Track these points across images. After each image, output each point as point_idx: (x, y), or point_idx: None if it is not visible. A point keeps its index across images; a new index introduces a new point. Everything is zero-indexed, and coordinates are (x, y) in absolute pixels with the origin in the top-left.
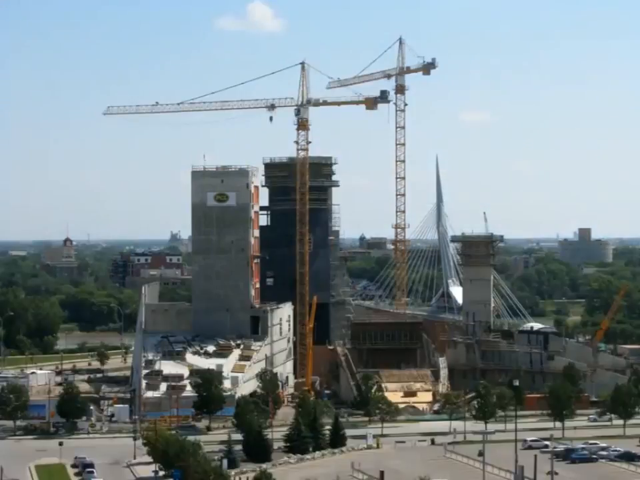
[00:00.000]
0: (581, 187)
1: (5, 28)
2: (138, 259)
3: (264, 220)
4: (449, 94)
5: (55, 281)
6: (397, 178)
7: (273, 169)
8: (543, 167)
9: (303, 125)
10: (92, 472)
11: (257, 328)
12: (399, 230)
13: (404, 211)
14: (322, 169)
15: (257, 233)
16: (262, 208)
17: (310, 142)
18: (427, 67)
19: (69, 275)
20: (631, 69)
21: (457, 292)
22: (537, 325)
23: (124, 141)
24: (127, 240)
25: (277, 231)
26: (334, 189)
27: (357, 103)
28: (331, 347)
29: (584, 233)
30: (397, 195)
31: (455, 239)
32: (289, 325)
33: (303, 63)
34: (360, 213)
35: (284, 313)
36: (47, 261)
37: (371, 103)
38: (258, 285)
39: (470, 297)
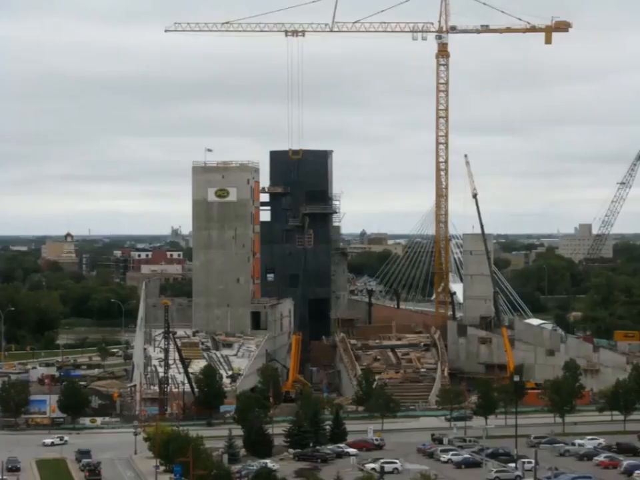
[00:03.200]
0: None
1: None
2: (139, 255)
3: (265, 215)
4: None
5: (56, 276)
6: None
7: (275, 165)
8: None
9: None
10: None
11: (258, 323)
12: None
13: None
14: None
15: (257, 228)
16: (263, 203)
17: None
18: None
19: (69, 270)
20: None
21: (457, 288)
22: (537, 321)
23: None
24: (128, 235)
25: (278, 227)
26: (334, 184)
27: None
28: (334, 345)
29: (585, 229)
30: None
31: (454, 236)
32: (290, 321)
33: None
34: (361, 207)
35: (284, 308)
36: (47, 256)
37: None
38: (258, 281)
39: (470, 292)
